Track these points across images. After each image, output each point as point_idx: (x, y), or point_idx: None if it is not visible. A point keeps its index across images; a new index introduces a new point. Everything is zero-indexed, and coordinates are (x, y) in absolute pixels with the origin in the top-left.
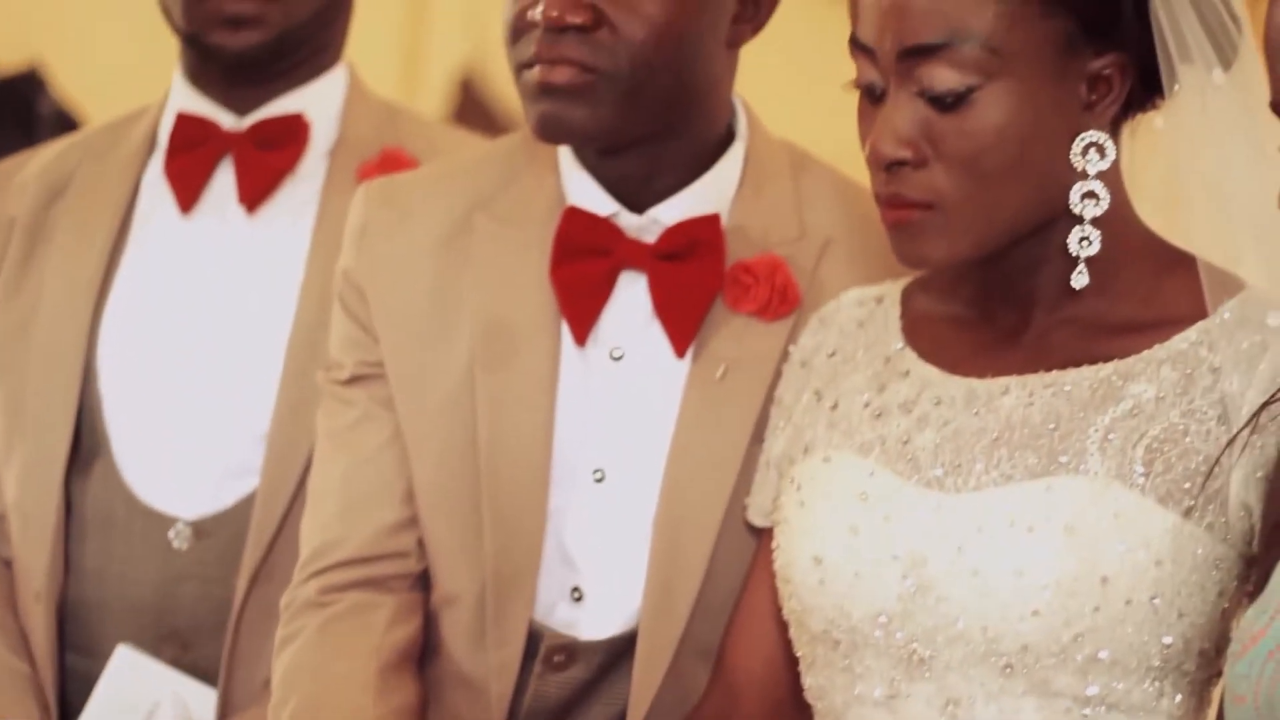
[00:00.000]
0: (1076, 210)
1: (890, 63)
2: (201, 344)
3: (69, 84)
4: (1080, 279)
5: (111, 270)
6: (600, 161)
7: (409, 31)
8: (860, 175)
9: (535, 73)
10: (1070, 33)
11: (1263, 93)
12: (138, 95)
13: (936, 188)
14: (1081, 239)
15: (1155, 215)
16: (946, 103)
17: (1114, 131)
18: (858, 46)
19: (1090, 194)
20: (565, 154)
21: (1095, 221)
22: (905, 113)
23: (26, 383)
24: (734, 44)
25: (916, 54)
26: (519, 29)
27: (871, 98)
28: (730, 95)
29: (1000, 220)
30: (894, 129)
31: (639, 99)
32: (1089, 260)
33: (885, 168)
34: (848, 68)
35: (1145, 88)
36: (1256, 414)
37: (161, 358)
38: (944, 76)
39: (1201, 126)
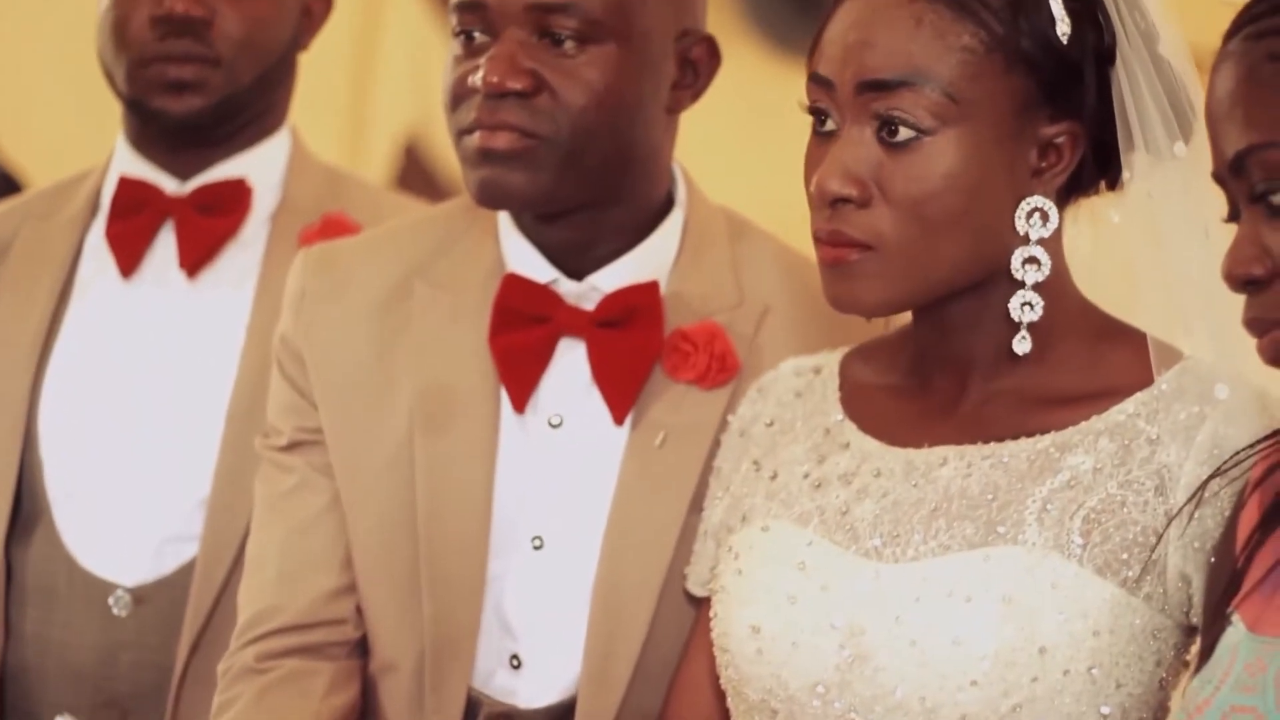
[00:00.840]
0: (1018, 275)
1: (848, 96)
2: (142, 409)
3: (11, 147)
4: (1023, 344)
5: (53, 334)
6: (539, 228)
7: (353, 95)
8: (800, 243)
9: (475, 138)
10: (1029, 94)
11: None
12: (81, 158)
13: (878, 229)
14: (1024, 304)
15: (1101, 288)
16: (899, 143)
17: (1059, 202)
18: (816, 81)
19: (1032, 259)
20: (505, 220)
21: (1036, 288)
22: (856, 151)
23: None
24: (674, 110)
25: (875, 88)
26: (459, 95)
27: (821, 138)
28: (670, 162)
29: (937, 271)
30: (843, 165)
31: (579, 165)
32: (1029, 327)
33: (830, 204)
34: (787, 135)
35: (1096, 164)
36: (1201, 488)
37: (102, 422)
38: (900, 115)
39: (1153, 201)
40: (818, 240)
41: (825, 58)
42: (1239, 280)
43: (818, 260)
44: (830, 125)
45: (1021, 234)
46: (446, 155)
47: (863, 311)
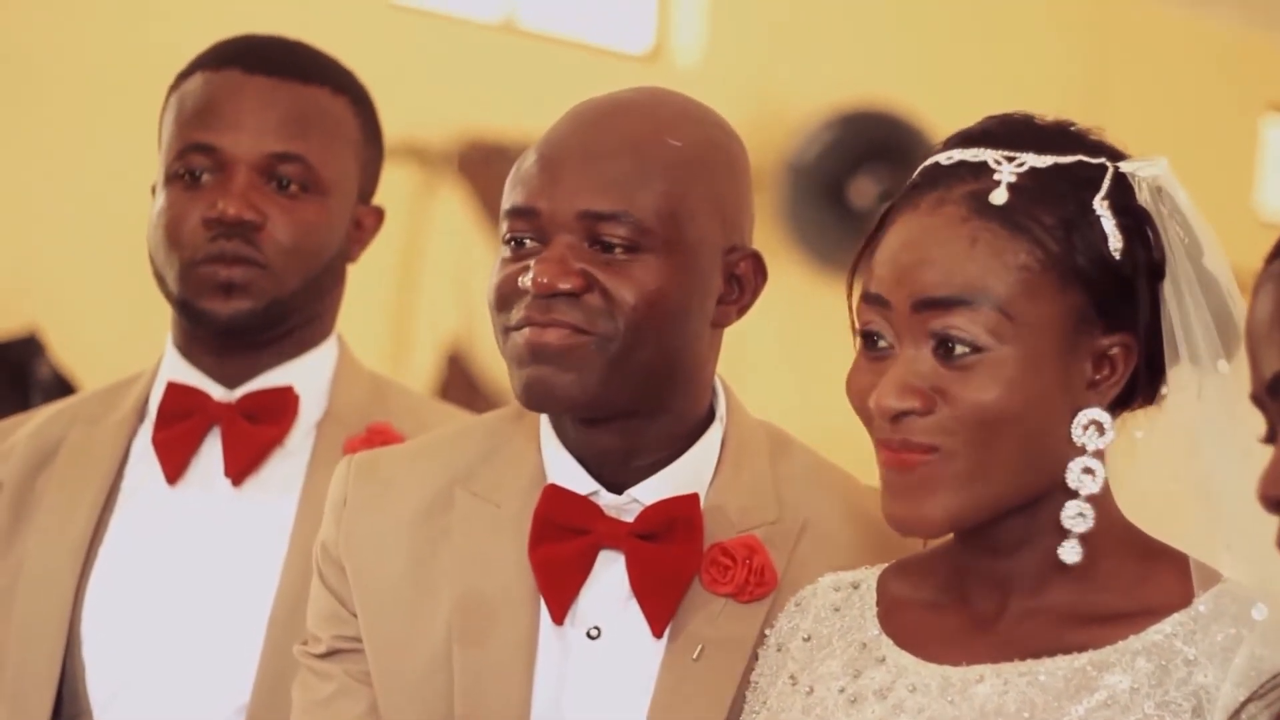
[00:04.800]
0: (1074, 485)
1: (904, 314)
2: (184, 615)
3: (62, 349)
4: (1073, 553)
5: (98, 538)
6: (582, 436)
7: (398, 305)
8: (840, 455)
9: (525, 334)
10: (1084, 308)
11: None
12: (129, 361)
13: (944, 429)
14: (1077, 514)
15: (1135, 507)
16: (956, 360)
17: (1112, 412)
18: (870, 300)
19: (1089, 470)
20: (547, 431)
21: (1089, 499)
22: (913, 366)
23: (8, 649)
24: (719, 324)
25: (932, 306)
26: (506, 295)
27: (871, 356)
28: (713, 376)
29: (996, 479)
30: (901, 381)
31: (625, 367)
32: (1078, 538)
33: (891, 419)
34: (829, 351)
35: (1148, 375)
36: (1239, 711)
37: (145, 627)
38: (957, 333)
39: (1195, 419)
40: (881, 445)
41: (878, 277)
42: (1274, 502)
43: (880, 465)
44: (883, 344)
45: (1078, 445)
46: (489, 363)
47: (925, 527)
